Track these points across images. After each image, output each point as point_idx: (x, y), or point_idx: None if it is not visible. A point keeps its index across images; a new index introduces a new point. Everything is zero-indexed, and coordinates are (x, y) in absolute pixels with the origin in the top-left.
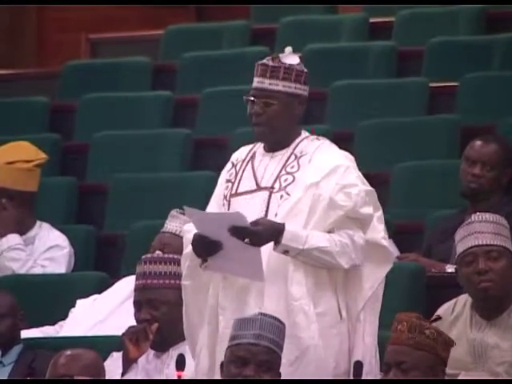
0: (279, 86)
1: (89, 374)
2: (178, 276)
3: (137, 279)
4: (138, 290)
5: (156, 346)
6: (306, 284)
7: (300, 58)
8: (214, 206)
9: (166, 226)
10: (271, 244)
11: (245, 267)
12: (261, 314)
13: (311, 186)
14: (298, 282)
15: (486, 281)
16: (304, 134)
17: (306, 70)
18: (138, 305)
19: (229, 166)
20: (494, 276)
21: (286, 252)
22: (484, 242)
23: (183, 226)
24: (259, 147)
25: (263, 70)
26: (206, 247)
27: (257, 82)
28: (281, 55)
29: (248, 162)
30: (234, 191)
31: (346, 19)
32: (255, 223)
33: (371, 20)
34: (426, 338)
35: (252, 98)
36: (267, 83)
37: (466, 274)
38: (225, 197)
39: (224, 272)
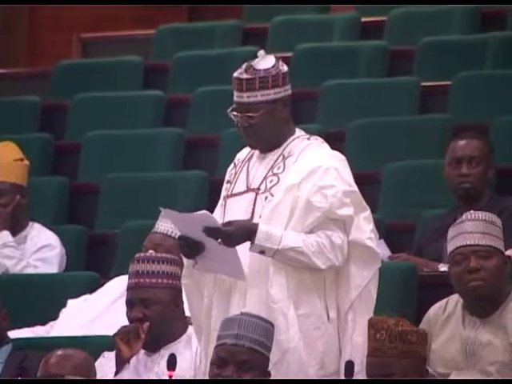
0: (258, 96)
1: (79, 373)
2: (171, 275)
3: (129, 278)
4: (130, 288)
5: (147, 345)
6: (286, 286)
7: (279, 58)
8: (218, 206)
9: (157, 226)
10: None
11: (226, 266)
12: (242, 313)
13: (292, 187)
14: (278, 284)
15: (477, 279)
16: (298, 132)
17: (283, 70)
18: (130, 304)
19: (231, 166)
20: (486, 274)
21: (262, 252)
22: (471, 242)
23: (173, 226)
24: None
25: (239, 85)
26: (190, 248)
27: (236, 96)
28: (254, 62)
29: (245, 163)
30: (229, 192)
31: (338, 19)
32: (228, 224)
33: (363, 19)
34: (409, 345)
35: (235, 113)
36: (245, 96)
37: (456, 273)
38: (223, 197)
39: (211, 272)
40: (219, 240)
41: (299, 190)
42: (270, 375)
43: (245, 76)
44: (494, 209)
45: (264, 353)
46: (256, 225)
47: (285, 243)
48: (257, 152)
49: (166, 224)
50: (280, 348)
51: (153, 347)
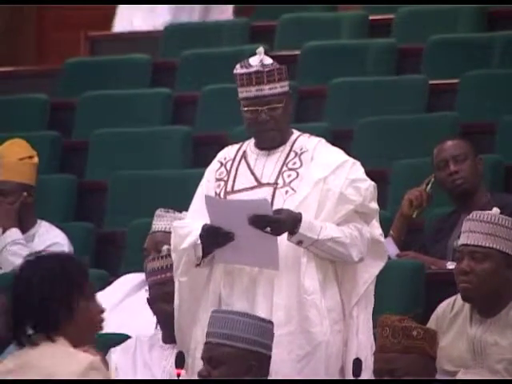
0: (277, 88)
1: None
2: None
3: (163, 272)
4: (168, 281)
5: (166, 340)
6: (317, 278)
7: (289, 55)
8: (199, 204)
9: (154, 226)
10: (283, 235)
11: (258, 257)
12: (213, 311)
13: (319, 181)
14: (310, 276)
15: (465, 282)
16: (295, 131)
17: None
18: (169, 296)
19: (216, 165)
20: (474, 278)
21: (299, 242)
22: (471, 242)
23: (170, 222)
24: (248, 145)
25: (259, 78)
26: (217, 238)
27: (255, 90)
28: (261, 58)
29: (240, 160)
30: (229, 189)
31: (346, 17)
32: (277, 211)
33: (371, 17)
34: (413, 340)
35: (253, 109)
36: (267, 89)
37: (454, 271)
38: (217, 194)
39: (232, 263)
40: (268, 228)
41: (326, 183)
42: (255, 368)
43: (264, 69)
44: (494, 206)
45: (234, 345)
46: (300, 214)
47: (325, 233)
48: (251, 148)
49: (162, 222)
50: (312, 341)
51: (170, 341)
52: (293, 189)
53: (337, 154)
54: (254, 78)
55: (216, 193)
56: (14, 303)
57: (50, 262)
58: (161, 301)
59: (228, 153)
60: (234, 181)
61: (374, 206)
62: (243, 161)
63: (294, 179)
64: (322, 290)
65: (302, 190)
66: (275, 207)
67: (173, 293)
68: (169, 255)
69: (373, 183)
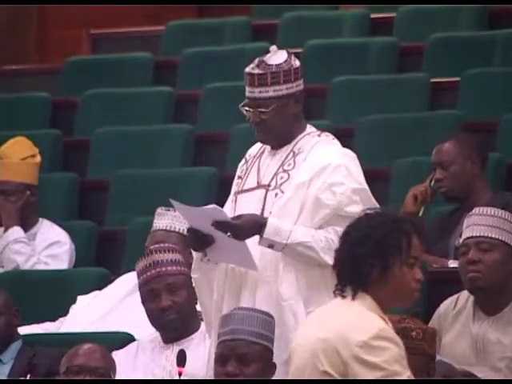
0: (269, 92)
1: (108, 364)
2: (186, 264)
3: (147, 270)
4: (152, 279)
5: (165, 338)
6: (296, 283)
7: (291, 53)
8: (229, 201)
9: (155, 224)
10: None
11: (238, 257)
12: (236, 308)
13: (302, 184)
14: (288, 282)
15: (474, 271)
16: (309, 129)
17: (296, 65)
18: (153, 293)
19: (243, 161)
20: (483, 267)
21: (270, 246)
22: (476, 234)
23: (171, 221)
24: None
25: (251, 80)
26: (199, 240)
27: (248, 91)
28: (266, 57)
29: (257, 158)
30: (240, 188)
31: (348, 15)
32: (237, 217)
33: (372, 16)
34: (412, 341)
35: (246, 109)
36: (257, 92)
37: (460, 264)
38: (234, 193)
39: (224, 262)
40: (228, 233)
41: (309, 187)
42: (275, 367)
43: (256, 71)
44: (496, 205)
45: (264, 343)
46: (265, 218)
47: (293, 238)
48: (268, 148)
49: (163, 220)
50: (290, 347)
51: (170, 340)
52: (282, 191)
53: (325, 156)
54: (247, 79)
55: (234, 191)
56: (341, 246)
57: (384, 219)
58: (147, 300)
59: (254, 149)
60: (245, 180)
61: (354, 209)
62: (258, 159)
63: (284, 181)
64: (304, 295)
65: (286, 193)
66: (266, 210)
67: (157, 290)
68: (152, 253)
69: (353, 186)
